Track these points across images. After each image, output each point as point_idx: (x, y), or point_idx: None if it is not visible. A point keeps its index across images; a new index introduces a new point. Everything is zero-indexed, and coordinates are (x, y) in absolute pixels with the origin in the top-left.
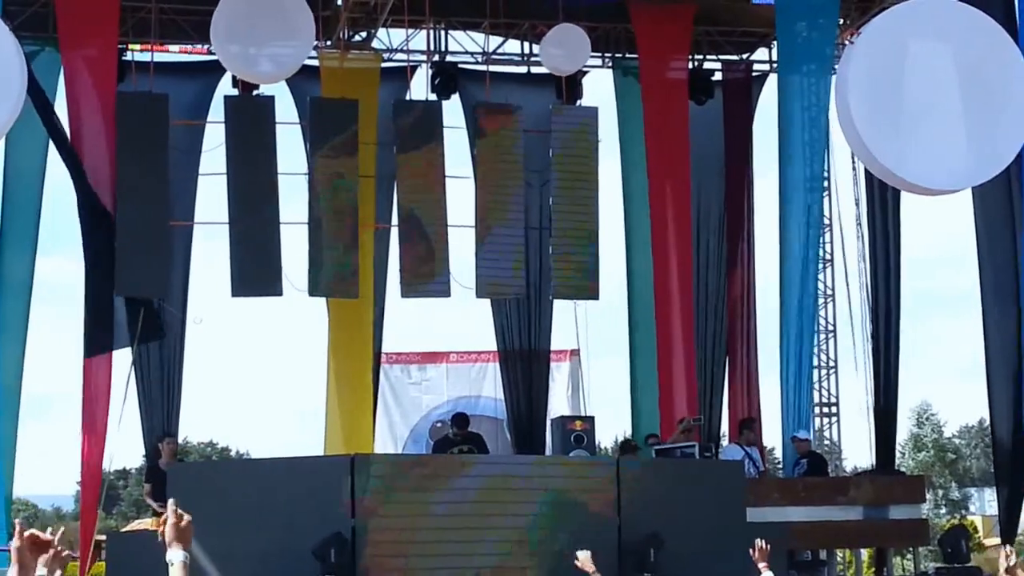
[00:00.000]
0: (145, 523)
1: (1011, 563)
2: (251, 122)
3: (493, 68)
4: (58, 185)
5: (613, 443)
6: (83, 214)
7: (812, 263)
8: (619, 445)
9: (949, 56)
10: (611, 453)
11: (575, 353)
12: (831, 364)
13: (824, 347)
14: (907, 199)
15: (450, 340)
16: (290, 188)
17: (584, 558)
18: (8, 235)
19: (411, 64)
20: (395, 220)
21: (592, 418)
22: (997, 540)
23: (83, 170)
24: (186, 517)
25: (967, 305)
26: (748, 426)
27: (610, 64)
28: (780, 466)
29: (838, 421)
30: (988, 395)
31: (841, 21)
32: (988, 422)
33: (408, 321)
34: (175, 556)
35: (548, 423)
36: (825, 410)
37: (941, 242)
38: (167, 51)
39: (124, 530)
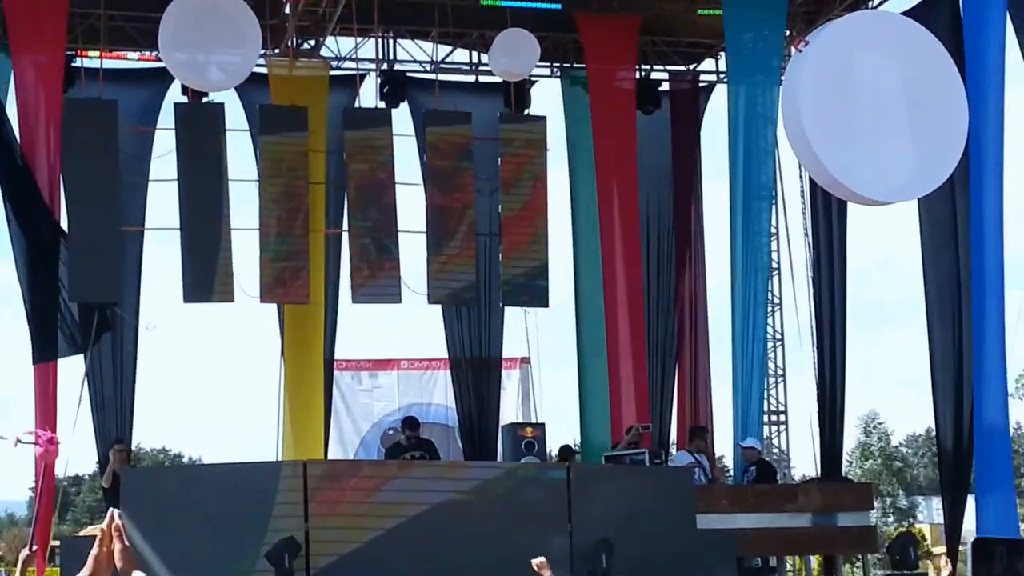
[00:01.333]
0: (99, 529)
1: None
2: (201, 129)
3: (442, 77)
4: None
5: None
6: (19, 218)
7: (761, 272)
8: (559, 451)
9: (894, 68)
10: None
11: (526, 361)
12: (779, 372)
13: (772, 355)
14: (853, 209)
15: (401, 347)
16: (241, 194)
17: (539, 563)
18: None
19: (360, 72)
20: (346, 226)
21: (543, 425)
22: (944, 548)
23: (30, 170)
24: (125, 539)
25: (914, 315)
26: (699, 434)
27: (558, 74)
28: (730, 473)
29: (786, 429)
30: (933, 404)
31: (788, 32)
32: (935, 431)
33: (359, 328)
34: None
35: (499, 430)
36: (774, 418)
37: (890, 251)
38: (124, 59)
39: (78, 535)
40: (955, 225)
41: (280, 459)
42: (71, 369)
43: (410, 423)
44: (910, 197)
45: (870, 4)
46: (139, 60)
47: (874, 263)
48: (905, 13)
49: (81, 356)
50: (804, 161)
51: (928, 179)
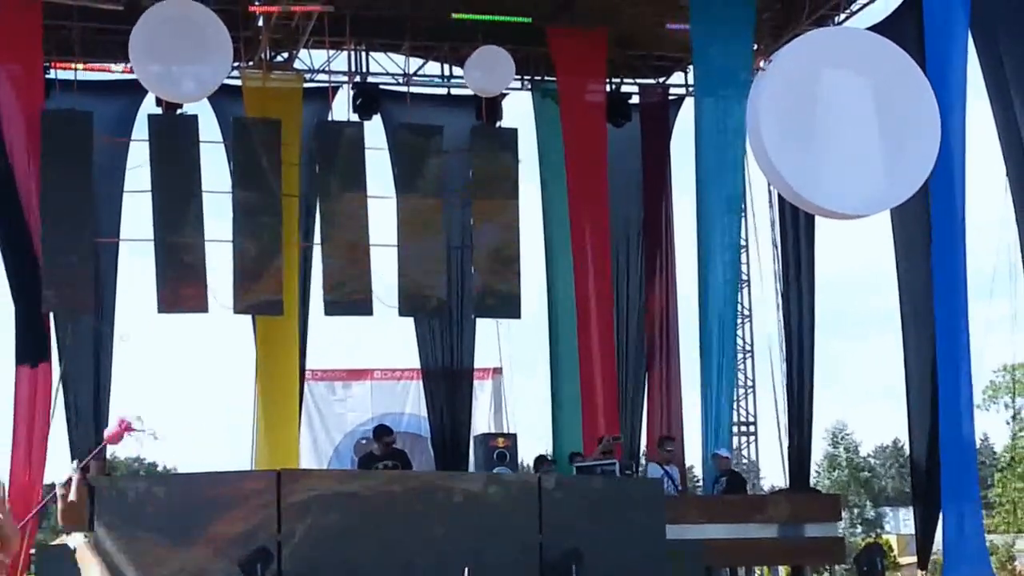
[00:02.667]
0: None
1: None
2: (175, 140)
3: (414, 89)
4: None
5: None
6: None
7: (731, 284)
8: (534, 461)
9: (859, 82)
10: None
11: (498, 371)
12: (749, 384)
13: (742, 367)
14: (822, 219)
15: (375, 357)
16: (215, 205)
17: None
18: None
19: (333, 85)
20: (318, 239)
21: (514, 435)
22: (912, 558)
23: (11, 182)
24: (74, 493)
25: (882, 326)
26: (662, 444)
27: (529, 87)
28: (700, 484)
29: (755, 440)
30: (907, 416)
31: (756, 47)
32: (902, 442)
33: (334, 338)
34: (75, 540)
35: (471, 440)
36: (743, 429)
37: (858, 263)
38: (105, 70)
39: (53, 543)
40: (928, 236)
41: (254, 468)
42: (47, 377)
43: (383, 430)
44: (875, 211)
45: (835, 19)
46: (124, 72)
47: (843, 273)
48: (869, 29)
49: (56, 365)
50: (769, 176)
51: (896, 192)
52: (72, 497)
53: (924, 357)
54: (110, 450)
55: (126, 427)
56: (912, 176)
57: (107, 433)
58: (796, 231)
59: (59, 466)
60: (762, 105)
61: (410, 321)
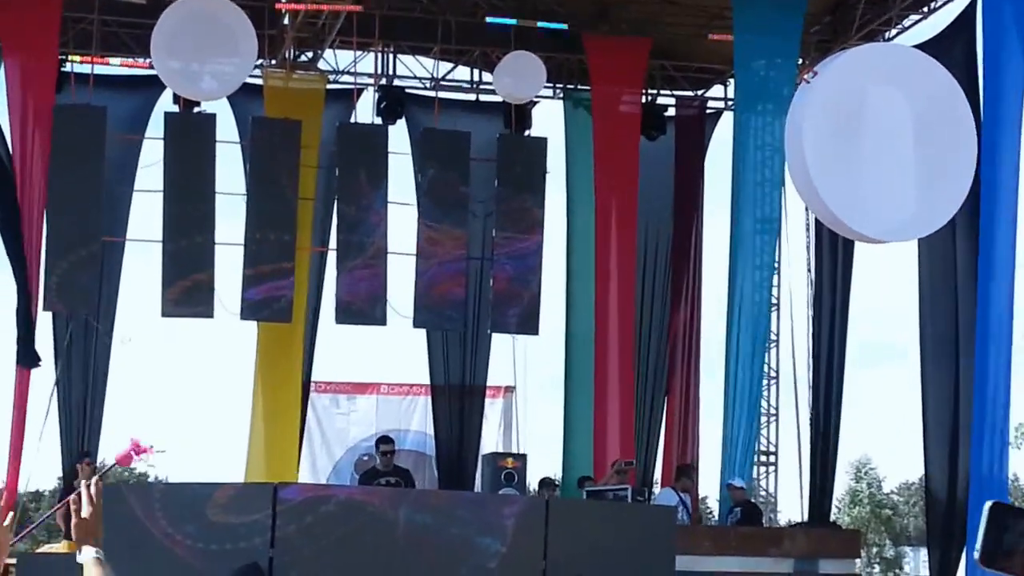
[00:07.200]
0: (56, 547)
1: None
2: (191, 140)
3: (441, 94)
4: None
5: None
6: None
7: (761, 307)
8: (539, 483)
9: (903, 104)
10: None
11: (510, 390)
12: (772, 412)
13: (766, 394)
14: (860, 248)
15: (382, 370)
16: (227, 207)
17: None
18: None
19: (357, 87)
20: (333, 244)
21: (524, 456)
22: None
23: (11, 176)
24: (85, 509)
25: (913, 357)
26: (685, 472)
27: (561, 95)
28: (712, 515)
29: (776, 470)
30: (924, 453)
31: (801, 61)
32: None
33: (341, 349)
34: (84, 555)
35: (479, 460)
36: (763, 459)
37: (887, 292)
38: (123, 65)
39: (36, 551)
40: (954, 267)
41: (247, 480)
42: (42, 379)
43: (383, 440)
44: (911, 237)
45: (885, 35)
46: (121, 66)
47: (875, 301)
48: (919, 46)
49: (52, 366)
50: (804, 194)
51: (931, 219)
52: (85, 513)
53: (944, 391)
54: (101, 455)
55: (140, 451)
56: (948, 202)
57: (118, 455)
58: (834, 256)
59: (49, 469)
60: (803, 122)
61: (422, 333)
